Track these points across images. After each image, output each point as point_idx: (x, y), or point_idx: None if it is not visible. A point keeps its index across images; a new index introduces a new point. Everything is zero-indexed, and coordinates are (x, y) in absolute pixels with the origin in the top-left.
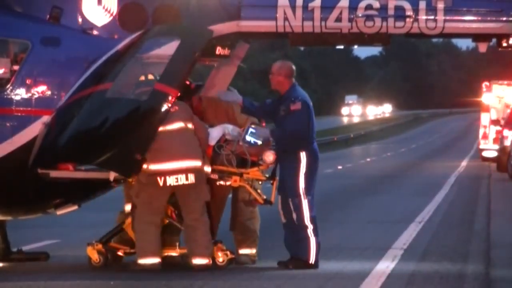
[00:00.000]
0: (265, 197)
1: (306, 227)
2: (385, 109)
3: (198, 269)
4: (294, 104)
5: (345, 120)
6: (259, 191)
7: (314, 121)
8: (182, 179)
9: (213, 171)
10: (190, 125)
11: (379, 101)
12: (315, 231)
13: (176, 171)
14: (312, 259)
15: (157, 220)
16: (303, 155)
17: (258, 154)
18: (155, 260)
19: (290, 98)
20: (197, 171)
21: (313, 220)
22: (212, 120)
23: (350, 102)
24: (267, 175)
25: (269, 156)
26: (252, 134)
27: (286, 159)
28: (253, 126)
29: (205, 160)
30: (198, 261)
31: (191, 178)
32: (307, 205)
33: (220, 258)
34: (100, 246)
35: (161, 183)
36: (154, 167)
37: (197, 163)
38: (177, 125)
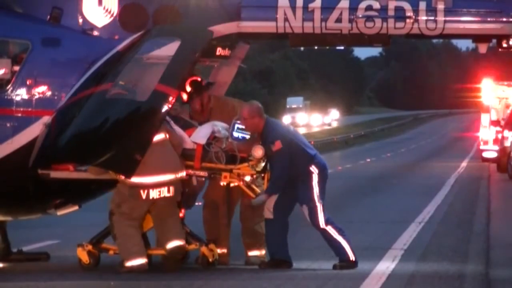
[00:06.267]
0: (259, 191)
1: (325, 230)
2: (333, 116)
3: (173, 253)
4: (274, 145)
5: None
6: (253, 186)
7: (302, 139)
8: (164, 192)
9: (202, 168)
10: (167, 135)
11: (326, 106)
12: (337, 229)
13: (159, 184)
14: (351, 257)
15: (136, 224)
16: (313, 168)
17: (247, 150)
18: (142, 260)
19: (268, 139)
20: (176, 183)
21: (328, 221)
22: (218, 120)
23: (294, 106)
24: (258, 170)
25: (258, 151)
26: (238, 129)
27: (299, 175)
28: (238, 121)
29: (181, 165)
30: (173, 243)
31: (172, 190)
32: (321, 208)
33: (210, 258)
34: (90, 247)
35: (143, 196)
36: (137, 180)
37: (177, 175)
38: (159, 136)
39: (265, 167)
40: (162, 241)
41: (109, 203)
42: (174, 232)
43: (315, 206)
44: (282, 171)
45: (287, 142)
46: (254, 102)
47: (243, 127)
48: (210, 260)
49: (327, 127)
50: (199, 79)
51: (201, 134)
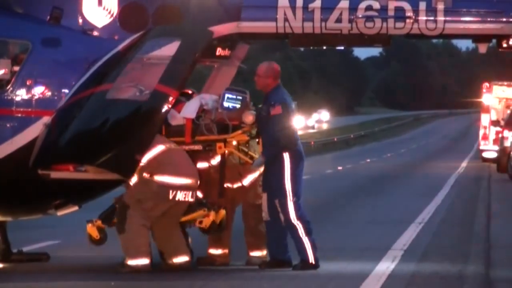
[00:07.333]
0: (257, 156)
1: (295, 226)
2: (322, 118)
3: (179, 268)
4: (274, 109)
5: None
6: (250, 152)
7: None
8: (188, 196)
9: (195, 142)
10: None
11: (315, 107)
12: (306, 229)
13: (186, 187)
14: (311, 259)
15: (148, 225)
16: (286, 156)
17: (237, 117)
18: (147, 260)
19: (270, 101)
20: (196, 189)
21: (300, 218)
22: None
23: None
24: (252, 135)
25: (249, 117)
26: (229, 99)
27: (270, 161)
28: (228, 91)
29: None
30: (182, 258)
31: (194, 196)
32: (292, 206)
33: (217, 221)
34: (99, 222)
35: (170, 197)
36: (168, 180)
37: (197, 180)
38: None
39: (258, 132)
40: (169, 254)
41: (123, 196)
42: (182, 249)
43: (286, 202)
44: (284, 131)
45: (286, 112)
46: (273, 63)
47: (233, 96)
48: (217, 222)
49: (311, 131)
50: (190, 91)
51: (190, 109)
